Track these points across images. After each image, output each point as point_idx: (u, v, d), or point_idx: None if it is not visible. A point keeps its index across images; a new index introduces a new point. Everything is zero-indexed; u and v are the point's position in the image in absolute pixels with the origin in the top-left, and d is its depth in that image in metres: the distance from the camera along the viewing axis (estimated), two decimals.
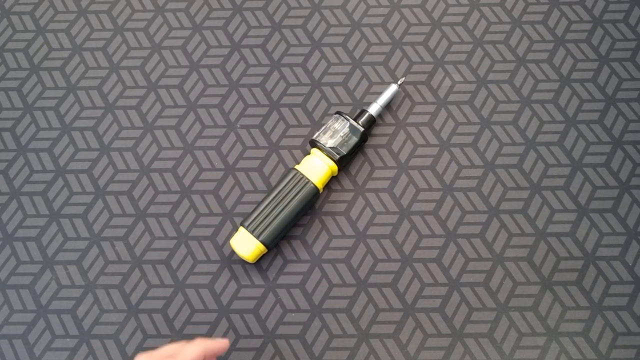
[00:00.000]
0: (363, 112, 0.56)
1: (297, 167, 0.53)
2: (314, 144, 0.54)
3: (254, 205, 0.56)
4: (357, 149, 0.55)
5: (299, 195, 0.52)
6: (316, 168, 0.53)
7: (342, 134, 0.53)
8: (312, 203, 0.53)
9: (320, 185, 0.53)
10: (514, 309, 0.52)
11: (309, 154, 0.55)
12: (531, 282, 0.53)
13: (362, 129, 0.54)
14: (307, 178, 0.52)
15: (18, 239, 0.55)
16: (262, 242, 0.51)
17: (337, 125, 0.54)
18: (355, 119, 0.55)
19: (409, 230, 0.55)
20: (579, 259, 0.53)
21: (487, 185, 0.56)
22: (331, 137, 0.53)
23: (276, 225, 0.51)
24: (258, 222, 0.51)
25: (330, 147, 0.53)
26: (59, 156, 0.58)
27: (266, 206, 0.52)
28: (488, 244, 0.54)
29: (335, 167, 0.54)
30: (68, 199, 0.56)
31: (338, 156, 0.53)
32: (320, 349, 0.51)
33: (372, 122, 0.55)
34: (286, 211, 0.52)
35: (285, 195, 0.52)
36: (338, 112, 0.55)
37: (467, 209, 0.55)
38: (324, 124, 0.57)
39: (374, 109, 0.56)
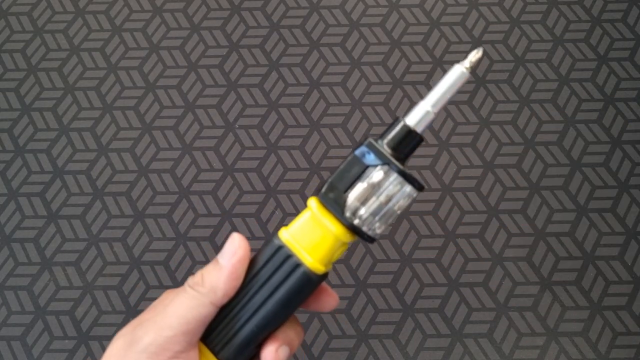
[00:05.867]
0: (408, 133, 0.29)
1: (284, 233, 0.29)
2: (326, 197, 0.29)
3: (255, 207, 0.56)
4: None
5: (283, 287, 0.29)
6: (316, 238, 0.29)
7: (384, 196, 0.29)
8: (309, 293, 0.30)
9: (321, 266, 0.29)
10: (513, 309, 0.52)
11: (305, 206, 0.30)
12: (530, 282, 0.53)
13: (416, 192, 0.29)
14: (297, 257, 0.29)
15: (16, 240, 0.55)
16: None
17: (378, 178, 0.29)
18: (397, 148, 0.29)
19: (408, 230, 0.54)
20: (578, 258, 0.53)
21: (486, 185, 0.56)
22: (366, 198, 0.29)
23: (245, 336, 0.29)
24: (224, 333, 0.30)
25: (360, 219, 0.29)
26: (57, 157, 0.58)
27: (234, 306, 0.30)
28: (487, 244, 0.54)
29: (350, 238, 0.29)
30: (66, 200, 0.56)
31: (367, 233, 0.29)
32: (319, 349, 0.51)
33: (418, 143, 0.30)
34: (262, 313, 0.29)
35: (262, 286, 0.29)
36: (387, 162, 0.29)
37: (466, 209, 0.55)
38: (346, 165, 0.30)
39: (423, 121, 0.30)
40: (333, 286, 0.53)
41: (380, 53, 0.60)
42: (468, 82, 0.60)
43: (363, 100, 0.58)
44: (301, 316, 0.52)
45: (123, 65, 0.61)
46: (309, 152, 0.57)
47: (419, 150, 0.59)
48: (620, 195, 0.55)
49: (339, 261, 0.54)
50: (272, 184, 0.56)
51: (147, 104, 0.59)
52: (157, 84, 0.60)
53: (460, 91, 0.63)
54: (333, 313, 0.52)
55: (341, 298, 0.53)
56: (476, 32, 0.61)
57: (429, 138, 0.57)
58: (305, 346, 0.52)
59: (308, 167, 0.56)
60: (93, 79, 0.60)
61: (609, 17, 0.61)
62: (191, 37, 0.62)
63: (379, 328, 0.52)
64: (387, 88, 0.59)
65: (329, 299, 0.31)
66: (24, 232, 0.56)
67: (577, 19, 0.61)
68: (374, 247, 0.54)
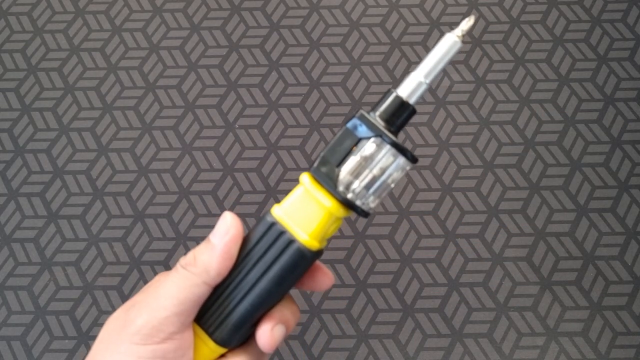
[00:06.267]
0: (401, 105, 0.31)
1: (276, 210, 0.29)
2: (319, 171, 0.28)
3: (255, 207, 0.56)
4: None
5: (277, 264, 0.28)
6: (310, 214, 0.29)
7: (377, 168, 0.28)
8: (304, 270, 0.29)
9: (315, 242, 0.28)
10: (513, 309, 0.52)
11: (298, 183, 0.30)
12: (530, 282, 0.53)
13: (410, 164, 0.29)
14: (291, 233, 0.28)
15: (16, 240, 0.55)
16: (216, 341, 0.29)
17: (370, 150, 0.28)
18: (390, 119, 0.30)
19: (408, 230, 0.54)
20: (578, 258, 0.53)
21: (486, 185, 0.56)
22: (358, 171, 0.28)
23: (239, 315, 0.29)
24: (218, 313, 0.29)
25: (353, 193, 0.28)
26: (57, 157, 0.58)
27: (228, 285, 0.29)
28: (487, 244, 0.54)
29: (344, 212, 0.29)
30: (66, 200, 0.56)
31: (361, 207, 0.28)
32: (319, 349, 0.51)
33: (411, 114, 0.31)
34: (256, 291, 0.28)
35: (256, 264, 0.29)
36: (379, 135, 0.29)
37: (466, 209, 0.55)
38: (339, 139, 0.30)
39: (416, 92, 0.31)
40: (333, 286, 0.53)
41: (380, 53, 0.60)
42: (467, 82, 0.60)
43: (363, 101, 0.58)
44: (301, 316, 0.52)
45: (123, 65, 0.61)
46: (309, 152, 0.57)
47: (419, 151, 0.59)
48: (620, 195, 0.55)
49: (339, 261, 0.54)
50: (272, 184, 0.56)
51: (147, 104, 0.59)
52: (157, 84, 0.60)
53: (460, 91, 0.63)
54: (333, 313, 0.52)
55: (341, 298, 0.53)
56: (476, 32, 0.61)
57: (429, 138, 0.57)
58: (305, 346, 0.52)
59: (308, 167, 0.57)
60: (93, 79, 0.60)
61: (609, 17, 0.61)
62: (191, 37, 0.62)
63: (379, 328, 0.52)
64: (387, 88, 0.59)
65: (324, 278, 0.30)
66: (24, 232, 0.56)
67: (577, 19, 0.61)
68: (374, 247, 0.54)
